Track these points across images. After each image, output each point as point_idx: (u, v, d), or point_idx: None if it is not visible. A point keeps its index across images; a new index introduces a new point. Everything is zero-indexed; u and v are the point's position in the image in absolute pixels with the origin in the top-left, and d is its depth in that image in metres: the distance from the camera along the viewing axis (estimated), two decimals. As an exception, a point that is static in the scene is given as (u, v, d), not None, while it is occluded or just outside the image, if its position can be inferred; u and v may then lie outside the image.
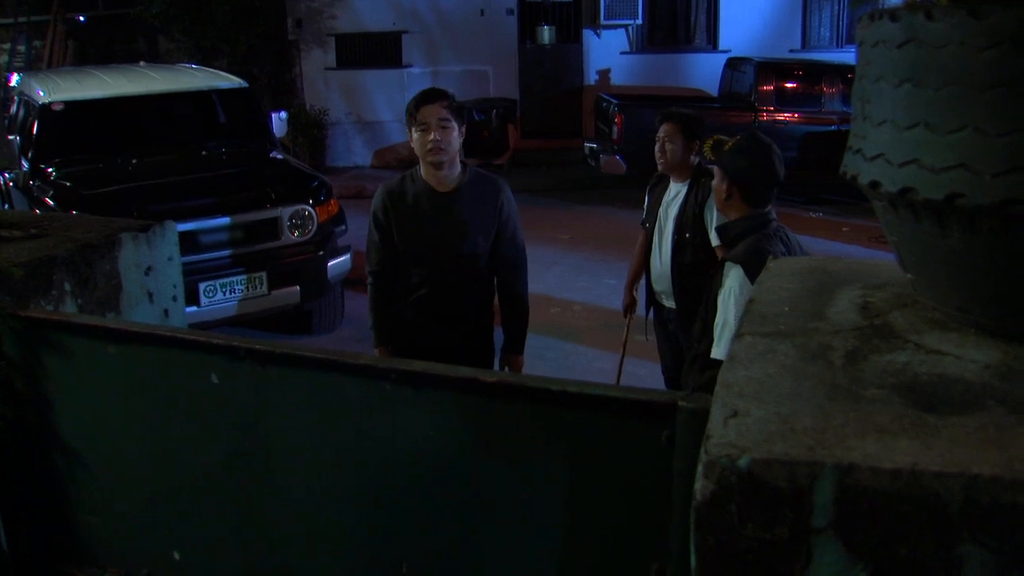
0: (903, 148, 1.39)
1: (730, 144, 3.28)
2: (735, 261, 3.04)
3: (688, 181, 4.28)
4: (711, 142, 3.43)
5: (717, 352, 3.05)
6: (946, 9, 1.31)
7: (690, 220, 4.21)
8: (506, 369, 3.92)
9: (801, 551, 1.19)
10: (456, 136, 3.54)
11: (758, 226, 3.17)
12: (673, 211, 4.31)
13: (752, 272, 2.93)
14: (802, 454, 1.18)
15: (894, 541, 1.16)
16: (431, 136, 3.47)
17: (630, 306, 4.95)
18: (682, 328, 4.29)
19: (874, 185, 1.45)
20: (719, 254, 3.98)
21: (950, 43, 1.30)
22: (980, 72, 1.28)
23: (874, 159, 1.45)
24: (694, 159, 4.29)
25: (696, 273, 4.11)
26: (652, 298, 4.58)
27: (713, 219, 4.03)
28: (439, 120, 3.49)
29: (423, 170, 3.62)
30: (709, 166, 3.51)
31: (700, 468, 1.22)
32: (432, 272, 3.67)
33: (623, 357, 5.08)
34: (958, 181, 1.31)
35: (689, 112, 4.49)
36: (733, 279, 3.02)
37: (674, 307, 4.38)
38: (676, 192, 4.35)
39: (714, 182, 3.34)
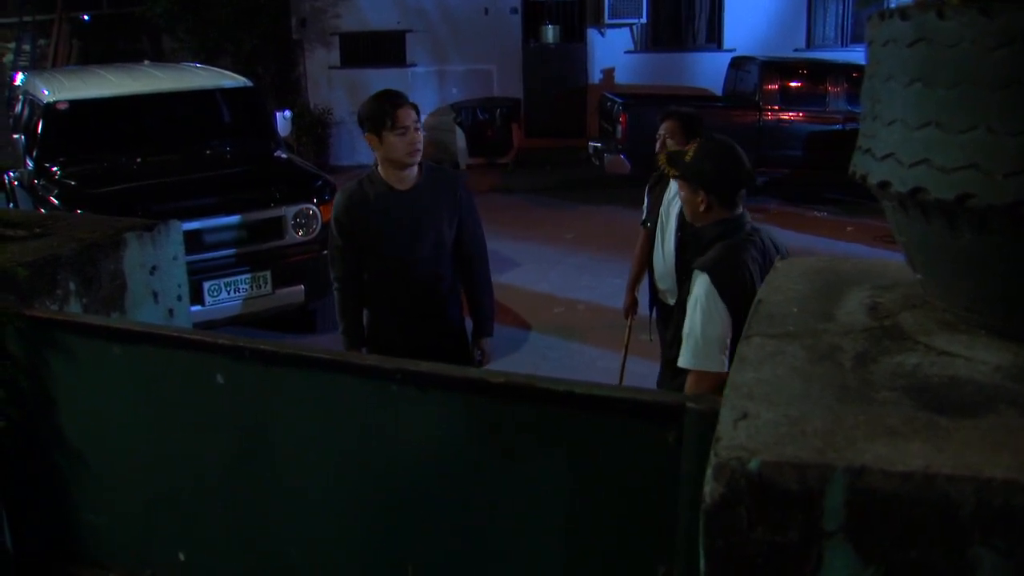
0: (913, 148, 1.38)
1: (690, 153, 3.11)
2: (702, 268, 2.94)
3: None
4: (664, 158, 3.26)
5: (682, 360, 2.96)
6: (957, 8, 1.30)
7: None
8: (478, 353, 3.97)
9: (812, 554, 1.19)
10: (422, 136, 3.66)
11: (730, 231, 3.05)
12: (675, 209, 4.29)
13: (718, 280, 2.86)
14: (812, 457, 1.18)
15: (905, 544, 1.15)
16: (410, 138, 3.54)
17: (631, 307, 4.93)
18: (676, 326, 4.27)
19: (884, 185, 1.44)
20: None
21: (961, 42, 1.30)
22: (991, 71, 1.27)
23: (884, 159, 1.44)
24: None
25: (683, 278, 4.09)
26: (655, 297, 4.56)
27: None
28: (414, 122, 3.56)
29: (383, 171, 3.65)
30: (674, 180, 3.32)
31: (710, 471, 1.21)
32: (402, 269, 3.69)
33: (625, 358, 5.06)
34: (969, 181, 1.30)
35: (689, 111, 4.48)
36: (699, 287, 2.92)
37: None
38: (677, 190, 4.33)
39: (683, 196, 3.18)
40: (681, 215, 4.19)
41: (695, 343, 2.90)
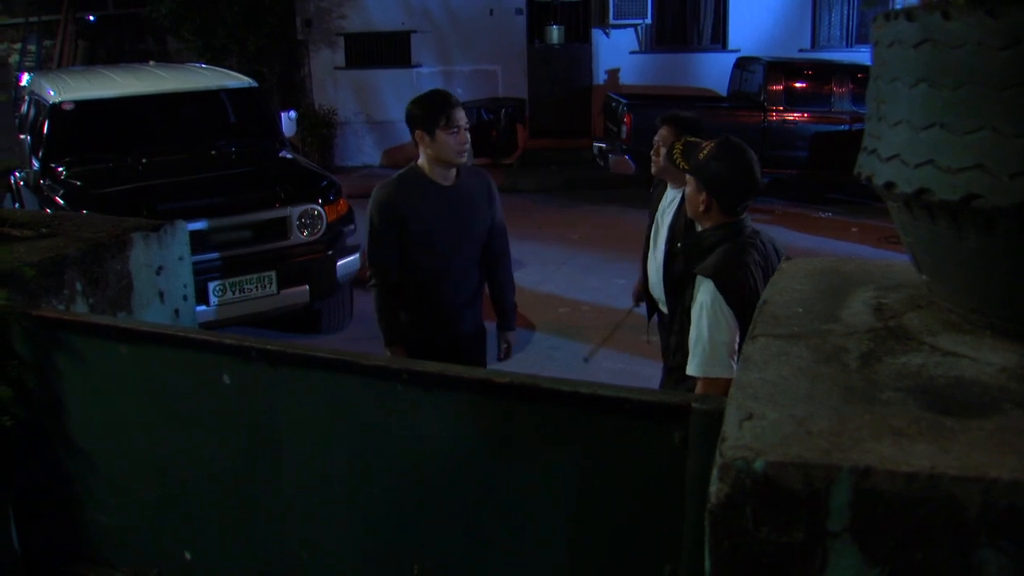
0: (919, 149, 1.38)
1: (704, 151, 3.07)
2: (705, 275, 2.90)
3: (683, 188, 4.17)
4: (681, 146, 3.22)
5: (691, 368, 2.93)
6: (963, 9, 1.30)
7: (682, 230, 4.09)
8: (503, 346, 4.14)
9: (817, 554, 1.19)
10: None
11: (731, 235, 3.01)
12: (668, 218, 4.21)
13: (723, 285, 2.84)
14: (818, 457, 1.18)
15: (911, 545, 1.15)
16: (461, 137, 3.65)
17: (639, 295, 4.85)
18: (669, 333, 4.25)
19: (889, 186, 1.44)
20: None
21: (967, 43, 1.30)
22: (997, 72, 1.27)
23: (889, 160, 1.44)
24: None
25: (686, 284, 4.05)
26: (652, 302, 4.51)
27: None
28: (465, 123, 3.67)
29: (427, 168, 3.73)
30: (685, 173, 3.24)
31: (715, 471, 1.22)
32: (444, 264, 3.78)
33: (604, 341, 5.06)
34: (974, 182, 1.30)
35: (688, 115, 4.37)
36: (704, 293, 2.89)
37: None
38: (672, 198, 4.24)
39: (688, 191, 3.15)
40: (672, 226, 4.12)
41: (703, 350, 2.87)
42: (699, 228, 3.72)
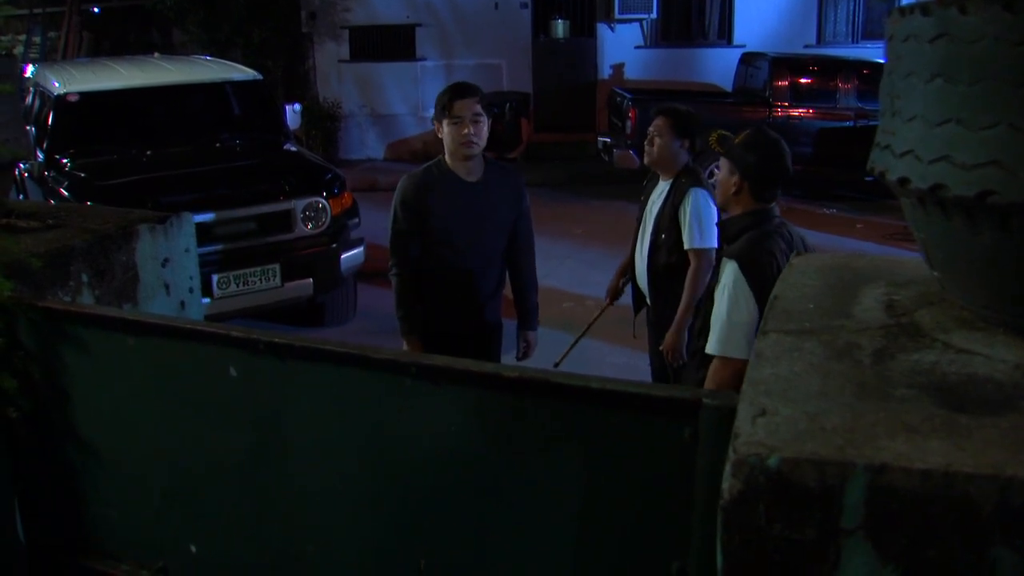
0: (934, 144, 1.37)
1: (740, 138, 3.21)
2: (730, 256, 3.02)
3: (672, 180, 4.17)
4: (716, 135, 3.34)
5: (709, 346, 3.03)
6: (980, 3, 1.29)
7: (666, 221, 4.09)
8: (522, 345, 4.16)
9: (830, 552, 1.18)
10: (486, 130, 3.68)
11: (760, 222, 3.12)
12: (655, 210, 4.23)
13: (747, 267, 2.93)
14: (832, 454, 1.17)
15: (924, 543, 1.15)
16: (465, 130, 3.59)
17: (614, 291, 4.85)
18: (654, 328, 4.28)
19: (903, 182, 1.43)
20: (691, 257, 3.99)
21: (984, 38, 1.29)
22: (1014, 67, 1.26)
23: (903, 155, 1.43)
24: (682, 158, 4.17)
25: (670, 276, 4.06)
26: (639, 296, 4.50)
27: (687, 220, 3.97)
28: (473, 115, 3.61)
29: (450, 162, 3.72)
30: (718, 159, 3.36)
31: (728, 467, 1.21)
32: (463, 259, 3.78)
33: (580, 336, 5.07)
34: (990, 178, 1.29)
35: (683, 108, 4.36)
36: (728, 274, 3.00)
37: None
38: (661, 191, 4.25)
39: (720, 175, 3.25)
40: (658, 219, 4.14)
41: (721, 329, 2.97)
42: (686, 220, 3.89)
